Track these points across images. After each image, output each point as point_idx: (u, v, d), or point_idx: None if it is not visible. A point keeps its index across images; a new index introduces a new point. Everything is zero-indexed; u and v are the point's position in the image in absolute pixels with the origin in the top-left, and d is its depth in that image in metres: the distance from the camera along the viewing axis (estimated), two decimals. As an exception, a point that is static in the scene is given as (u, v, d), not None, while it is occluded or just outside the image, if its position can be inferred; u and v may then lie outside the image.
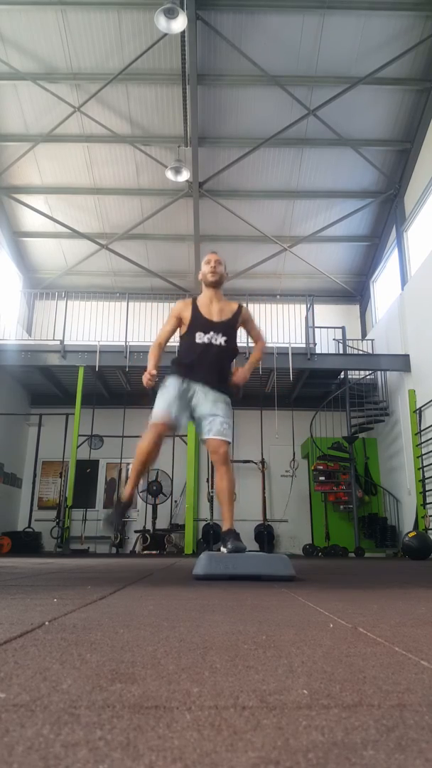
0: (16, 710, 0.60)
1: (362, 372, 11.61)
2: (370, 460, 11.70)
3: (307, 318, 11.19)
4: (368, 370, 11.60)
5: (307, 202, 11.76)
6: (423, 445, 9.51)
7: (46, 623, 1.21)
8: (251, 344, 3.75)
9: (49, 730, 0.54)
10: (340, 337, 11.32)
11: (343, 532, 10.68)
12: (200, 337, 3.35)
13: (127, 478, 13.23)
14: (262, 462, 11.27)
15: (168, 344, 3.61)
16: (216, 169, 10.68)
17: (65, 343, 10.35)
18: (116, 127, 10.35)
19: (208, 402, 3.29)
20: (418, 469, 9.52)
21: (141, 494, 11.25)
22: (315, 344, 10.84)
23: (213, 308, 3.45)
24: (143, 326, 11.44)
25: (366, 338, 12.88)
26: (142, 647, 0.97)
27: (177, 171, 10.53)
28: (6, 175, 10.97)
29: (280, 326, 11.51)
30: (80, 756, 0.48)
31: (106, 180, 11.37)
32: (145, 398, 13.14)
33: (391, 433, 11.22)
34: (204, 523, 10.94)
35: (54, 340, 10.40)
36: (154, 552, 10.32)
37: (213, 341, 3.34)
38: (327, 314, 12.59)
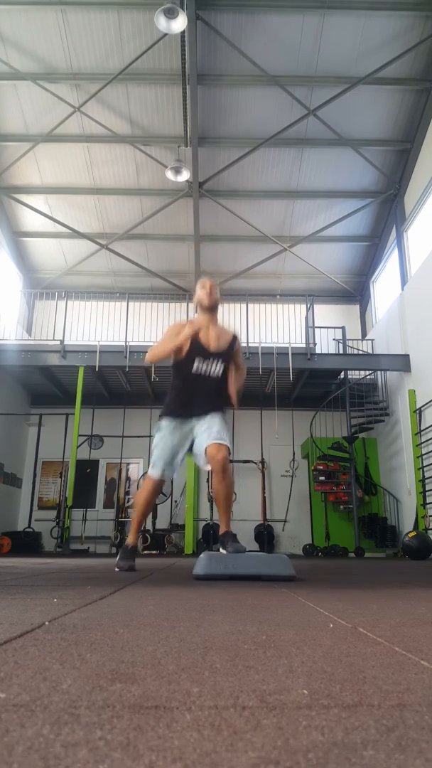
0: (16, 710, 0.60)
1: (362, 372, 11.61)
2: (370, 460, 11.70)
3: (307, 318, 11.19)
4: (368, 370, 11.60)
5: (307, 202, 11.76)
6: (423, 445, 9.51)
7: (46, 623, 1.21)
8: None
9: (49, 730, 0.54)
10: (340, 337, 11.32)
11: (343, 532, 10.68)
12: (198, 366, 3.37)
13: (127, 478, 13.15)
14: (262, 462, 11.27)
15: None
16: (216, 169, 10.68)
17: (65, 343, 10.35)
18: (116, 127, 10.35)
19: (205, 423, 3.33)
20: (418, 469, 9.52)
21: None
22: (315, 344, 10.84)
23: (211, 335, 3.45)
24: (143, 326, 11.44)
25: (366, 338, 12.88)
26: (142, 647, 0.97)
27: (177, 171, 10.53)
28: (6, 175, 10.97)
29: (280, 326, 11.51)
30: (80, 756, 0.48)
31: (106, 180, 11.37)
32: (145, 398, 13.14)
33: (391, 433, 11.22)
34: (204, 523, 10.95)
35: (54, 340, 10.40)
36: (154, 552, 10.32)
37: (210, 372, 3.37)
38: (327, 314, 12.59)
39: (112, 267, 12.84)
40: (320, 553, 10.28)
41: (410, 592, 2.36)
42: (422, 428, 9.57)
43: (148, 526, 10.87)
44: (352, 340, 12.24)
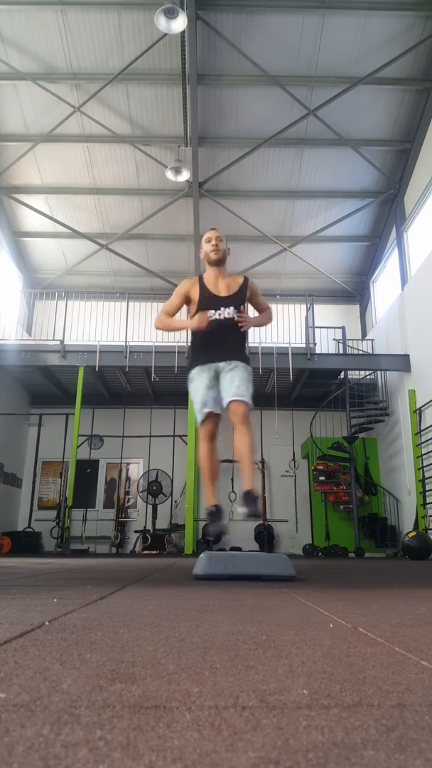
0: (16, 710, 0.60)
1: (362, 372, 11.61)
2: (370, 460, 11.70)
3: (307, 318, 11.19)
4: (368, 370, 11.60)
5: (307, 202, 11.76)
6: (423, 445, 9.51)
7: (46, 623, 1.21)
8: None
9: (49, 730, 0.54)
10: (340, 337, 11.32)
11: (343, 532, 10.68)
12: (211, 315, 3.38)
13: (127, 478, 13.14)
14: (262, 462, 11.27)
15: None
16: (216, 169, 10.68)
17: (65, 343, 10.35)
18: (116, 127, 10.35)
19: (228, 372, 3.34)
20: (418, 469, 9.52)
21: (141, 494, 11.26)
22: (315, 344, 10.83)
23: (220, 284, 3.47)
24: (143, 326, 11.44)
25: (366, 338, 12.88)
26: (142, 647, 0.97)
27: (177, 171, 10.53)
28: (6, 175, 10.97)
29: (280, 326, 11.51)
30: (80, 756, 0.48)
31: (106, 180, 11.37)
32: (145, 398, 13.13)
33: (391, 433, 11.22)
34: (204, 523, 10.94)
35: (54, 340, 10.40)
36: (154, 552, 10.32)
37: (224, 316, 3.39)
38: (327, 314, 12.59)
39: (112, 267, 12.84)
40: (320, 553, 10.28)
41: (410, 592, 2.36)
42: (422, 428, 9.57)
43: (148, 526, 10.88)
44: (352, 340, 12.24)
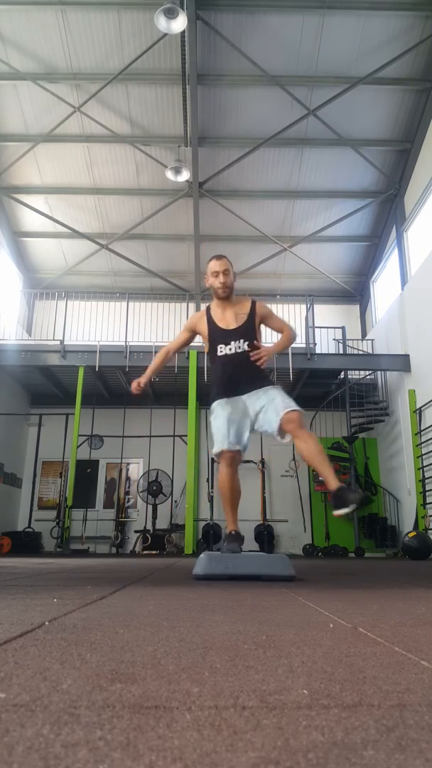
0: (16, 710, 0.60)
1: (362, 372, 11.61)
2: (370, 460, 11.71)
3: (307, 318, 11.19)
4: (368, 370, 11.60)
5: (307, 202, 11.76)
6: (423, 445, 9.51)
7: (46, 623, 1.21)
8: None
9: (49, 730, 0.54)
10: (340, 337, 11.32)
11: (343, 532, 10.69)
12: (221, 350, 3.30)
13: (127, 478, 13.14)
14: (262, 462, 11.27)
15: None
16: (216, 169, 10.68)
17: (65, 343, 10.36)
18: (116, 127, 10.35)
19: (260, 399, 3.21)
20: (418, 469, 9.52)
21: (141, 494, 11.25)
22: (315, 344, 10.84)
23: (227, 316, 3.35)
24: (143, 326, 11.44)
25: (366, 338, 12.88)
26: (142, 647, 0.97)
27: (177, 171, 10.53)
28: (6, 175, 10.97)
29: (280, 326, 11.49)
30: (80, 756, 0.48)
31: (106, 180, 11.37)
32: (145, 398, 13.12)
33: (391, 433, 11.22)
34: (204, 523, 10.94)
35: (54, 340, 10.40)
36: (154, 552, 10.31)
37: (236, 350, 3.27)
38: (327, 314, 12.59)
39: (112, 267, 12.84)
40: (320, 553, 10.28)
41: (410, 592, 2.36)
42: (422, 428, 9.58)
43: (148, 526, 10.88)
44: (352, 340, 12.24)
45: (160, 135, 10.57)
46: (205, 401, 11.26)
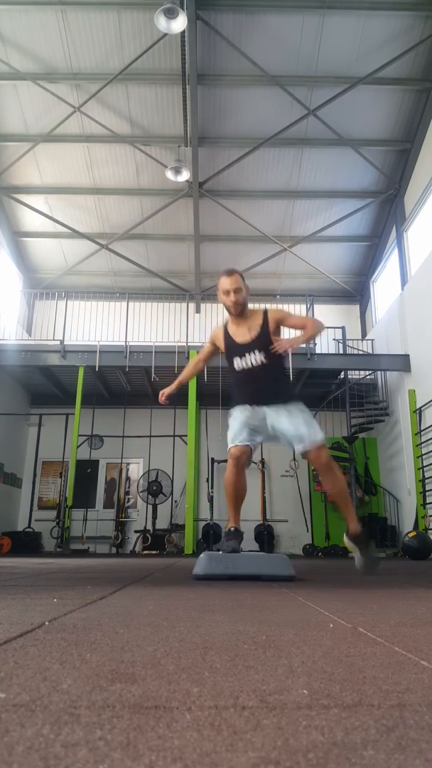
0: (16, 710, 0.60)
1: (362, 372, 11.61)
2: (370, 460, 11.70)
3: (307, 318, 11.17)
4: (368, 370, 11.60)
5: (307, 202, 11.76)
6: (423, 445, 9.51)
7: (46, 623, 1.21)
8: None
9: (49, 730, 0.54)
10: (340, 337, 11.32)
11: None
12: (238, 364, 3.31)
13: (127, 478, 13.12)
14: (262, 462, 11.27)
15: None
16: (216, 169, 10.68)
17: (65, 343, 10.35)
18: (116, 127, 10.35)
19: (282, 418, 3.21)
20: (418, 469, 9.52)
21: (141, 494, 11.26)
22: (315, 344, 10.82)
23: (242, 329, 3.35)
24: (143, 326, 11.44)
25: (366, 338, 12.88)
26: (142, 647, 0.97)
27: (177, 171, 10.52)
28: (6, 175, 10.97)
29: (280, 326, 11.49)
30: (80, 756, 0.48)
31: (106, 180, 11.37)
32: (145, 398, 13.12)
33: (391, 433, 11.22)
34: (204, 523, 10.95)
35: (54, 340, 10.40)
36: (154, 552, 10.32)
37: (252, 363, 3.26)
38: (327, 314, 12.56)
39: (112, 267, 12.84)
40: (320, 553, 10.28)
41: (410, 592, 2.36)
42: (422, 428, 9.57)
43: (148, 526, 10.88)
44: (352, 340, 12.24)
45: (160, 135, 10.57)
46: (205, 401, 11.33)
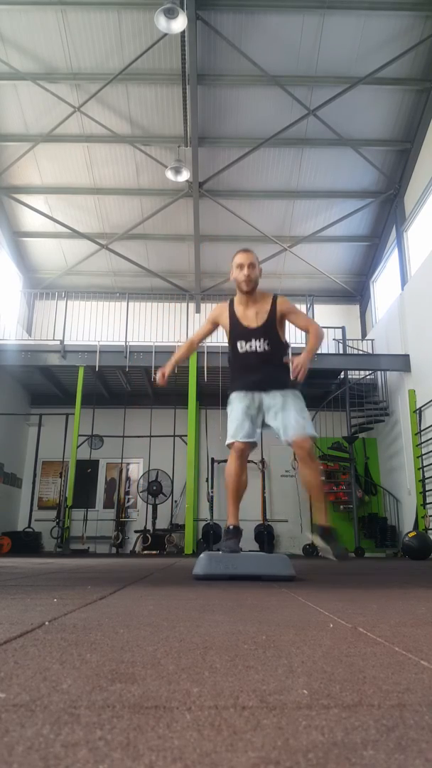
0: (16, 710, 0.60)
1: (362, 372, 11.60)
2: (370, 460, 11.70)
3: (307, 318, 11.18)
4: (368, 370, 11.60)
5: (307, 202, 11.76)
6: (423, 445, 9.51)
7: (46, 623, 1.21)
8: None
9: (49, 730, 0.54)
10: (340, 337, 11.32)
11: (343, 532, 10.65)
12: (242, 347, 3.28)
13: (127, 478, 13.11)
14: (262, 462, 11.26)
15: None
16: (216, 169, 10.68)
17: (65, 343, 10.35)
18: (116, 127, 10.35)
19: (277, 404, 3.22)
20: (418, 469, 9.52)
21: (141, 494, 11.26)
22: (315, 344, 10.82)
23: (249, 313, 3.32)
24: (143, 326, 11.44)
25: (366, 338, 12.88)
26: (142, 647, 0.97)
27: (177, 171, 10.53)
28: (6, 175, 10.97)
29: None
30: (80, 756, 0.48)
31: (106, 180, 11.37)
32: (145, 398, 13.10)
33: (391, 433, 11.22)
34: (204, 523, 10.95)
35: (54, 340, 10.40)
36: (154, 552, 10.32)
37: (256, 348, 3.25)
38: (327, 314, 12.59)
39: (112, 267, 12.85)
40: (320, 554, 10.27)
41: (410, 592, 2.36)
42: (422, 428, 9.57)
43: (148, 526, 10.88)
44: (352, 340, 12.24)
45: (160, 135, 10.57)
46: (205, 401, 11.32)
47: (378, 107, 10.10)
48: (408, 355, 10.35)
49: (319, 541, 3.14)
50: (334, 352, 11.38)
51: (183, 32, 8.38)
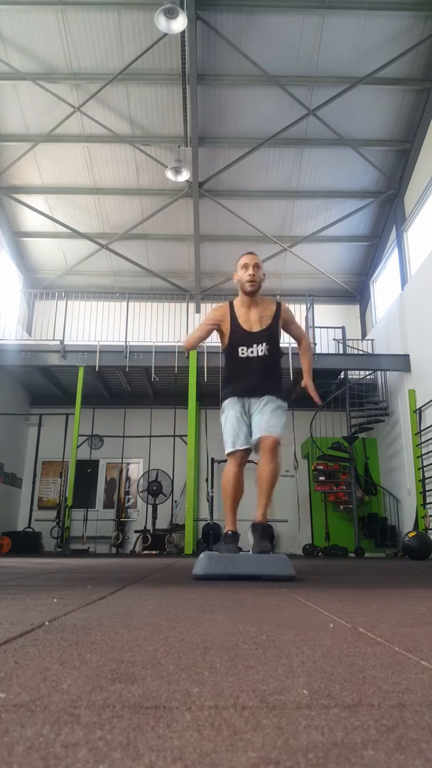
0: (16, 710, 0.60)
1: (362, 372, 11.61)
2: (370, 460, 11.70)
3: (307, 318, 11.18)
4: (368, 370, 11.60)
5: (307, 202, 11.76)
6: (423, 445, 9.51)
7: (46, 623, 1.21)
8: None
9: (49, 730, 0.54)
10: (340, 337, 11.32)
11: (343, 532, 10.68)
12: (243, 352, 3.28)
13: (127, 478, 13.10)
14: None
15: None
16: (216, 169, 10.68)
17: (65, 343, 10.36)
18: (116, 127, 10.35)
19: (258, 407, 3.26)
20: (418, 469, 9.52)
21: (141, 494, 11.26)
22: (315, 344, 10.84)
23: (252, 317, 3.32)
24: (143, 326, 11.44)
25: (366, 338, 12.88)
26: (142, 647, 0.97)
27: (177, 171, 10.53)
28: (6, 175, 10.97)
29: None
30: (80, 756, 0.48)
31: (106, 180, 11.37)
32: (145, 398, 13.10)
33: (391, 433, 11.22)
34: (204, 523, 10.95)
35: (54, 340, 10.40)
36: (154, 552, 10.31)
37: (258, 353, 3.26)
38: (327, 314, 12.59)
39: (112, 267, 12.85)
40: (320, 553, 10.28)
41: (410, 592, 2.36)
42: (422, 428, 9.57)
43: (149, 526, 10.88)
44: (352, 340, 12.24)
45: (160, 135, 10.57)
46: (205, 401, 11.32)
47: (378, 107, 10.10)
48: (408, 355, 10.35)
49: (249, 535, 3.16)
50: (334, 352, 11.38)
51: (183, 32, 8.39)
